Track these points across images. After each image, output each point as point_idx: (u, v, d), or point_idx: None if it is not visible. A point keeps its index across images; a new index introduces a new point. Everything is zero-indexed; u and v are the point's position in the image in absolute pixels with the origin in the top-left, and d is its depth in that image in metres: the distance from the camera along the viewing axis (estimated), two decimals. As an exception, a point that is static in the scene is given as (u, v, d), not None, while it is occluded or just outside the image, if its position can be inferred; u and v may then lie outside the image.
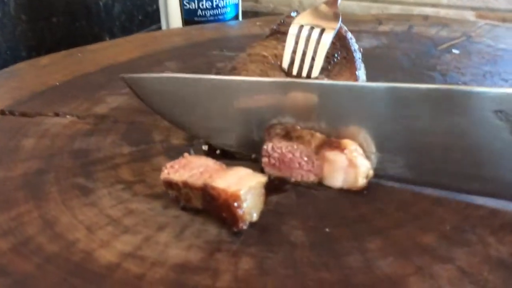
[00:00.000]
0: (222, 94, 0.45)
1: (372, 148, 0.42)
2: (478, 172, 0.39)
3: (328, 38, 0.52)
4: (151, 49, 0.78)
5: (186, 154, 0.43)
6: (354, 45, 0.57)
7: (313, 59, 0.53)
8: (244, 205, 0.37)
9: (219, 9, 1.00)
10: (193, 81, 0.46)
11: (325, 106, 0.42)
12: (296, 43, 0.54)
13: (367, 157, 0.42)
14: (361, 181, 0.42)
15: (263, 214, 0.39)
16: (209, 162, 0.41)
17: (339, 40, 0.56)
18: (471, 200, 0.41)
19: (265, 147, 0.44)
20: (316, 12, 0.54)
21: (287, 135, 0.43)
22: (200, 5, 0.98)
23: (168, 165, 0.42)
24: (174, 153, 0.49)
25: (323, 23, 0.53)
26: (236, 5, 1.02)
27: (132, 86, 0.48)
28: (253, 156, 0.46)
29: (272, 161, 0.44)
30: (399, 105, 0.39)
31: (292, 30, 0.53)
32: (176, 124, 0.49)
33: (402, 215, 0.40)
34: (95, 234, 0.38)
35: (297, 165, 0.43)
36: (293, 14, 0.60)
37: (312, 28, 0.53)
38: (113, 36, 1.25)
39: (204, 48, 0.78)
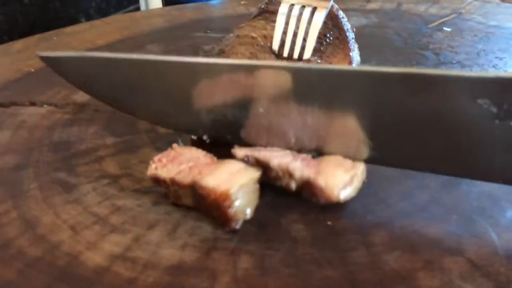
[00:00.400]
0: (159, 76, 0.38)
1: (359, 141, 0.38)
2: (461, 157, 0.37)
3: (320, 17, 0.50)
4: (131, 31, 0.74)
5: (175, 145, 0.40)
6: (347, 25, 0.54)
7: (304, 40, 0.51)
8: (236, 204, 0.34)
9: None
10: (116, 61, 0.39)
11: (296, 91, 0.36)
12: (287, 23, 0.51)
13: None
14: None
15: (260, 208, 0.37)
16: (200, 154, 0.39)
17: (331, 20, 0.54)
18: (477, 187, 0.39)
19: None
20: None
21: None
22: (181, -16, 0.94)
23: (156, 158, 0.39)
24: (162, 144, 0.46)
25: (314, 2, 0.50)
26: (219, -16, 0.98)
27: (52, 67, 0.41)
28: (228, 137, 0.41)
29: None
30: (379, 89, 0.35)
31: (282, 9, 0.50)
32: (117, 107, 0.43)
33: (406, 206, 0.38)
34: (80, 235, 0.36)
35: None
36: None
37: (303, 7, 0.50)
38: (89, 18, 1.20)
39: (187, 29, 0.75)
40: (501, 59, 0.63)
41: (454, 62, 0.63)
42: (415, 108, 0.35)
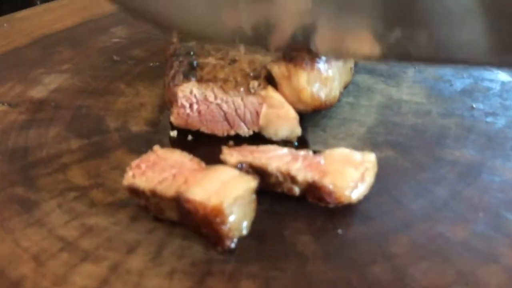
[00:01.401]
0: None
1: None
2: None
3: None
4: (92, 13, 0.66)
5: (156, 147, 0.34)
6: None
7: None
8: (230, 219, 0.29)
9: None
10: None
11: None
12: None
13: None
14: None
15: (258, 219, 0.31)
16: (185, 158, 0.33)
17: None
18: (498, 176, 0.35)
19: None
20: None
21: None
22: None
23: (133, 164, 0.33)
24: (136, 144, 0.40)
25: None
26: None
27: None
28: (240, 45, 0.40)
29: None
30: None
31: None
32: (139, 15, 0.40)
33: (424, 204, 0.33)
34: (45, 267, 0.30)
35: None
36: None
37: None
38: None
39: (155, 8, 0.67)
40: None
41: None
42: None
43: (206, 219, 0.29)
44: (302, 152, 0.34)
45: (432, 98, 0.45)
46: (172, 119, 0.39)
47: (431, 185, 0.35)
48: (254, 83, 0.36)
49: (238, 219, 0.29)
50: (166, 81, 0.41)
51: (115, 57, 0.54)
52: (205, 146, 0.39)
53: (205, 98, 0.37)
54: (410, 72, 0.49)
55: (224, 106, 0.37)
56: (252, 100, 0.37)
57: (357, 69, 0.46)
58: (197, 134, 0.40)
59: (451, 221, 0.32)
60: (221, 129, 0.38)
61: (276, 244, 0.31)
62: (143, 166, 0.33)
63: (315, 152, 0.35)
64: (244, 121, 0.37)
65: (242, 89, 0.36)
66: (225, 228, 0.29)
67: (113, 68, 0.52)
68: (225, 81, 0.37)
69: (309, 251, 0.30)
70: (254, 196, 0.30)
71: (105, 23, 0.63)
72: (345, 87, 0.44)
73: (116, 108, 0.45)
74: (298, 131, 0.38)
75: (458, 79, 0.48)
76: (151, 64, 0.52)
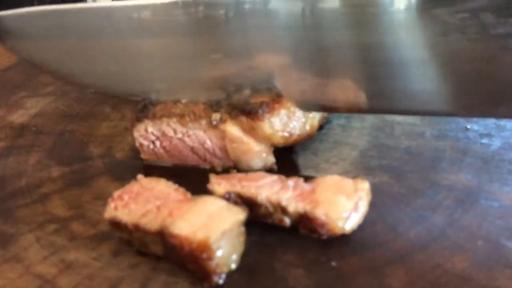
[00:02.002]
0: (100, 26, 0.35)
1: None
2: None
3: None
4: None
5: (139, 177, 0.33)
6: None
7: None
8: (217, 254, 0.27)
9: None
10: (60, 12, 0.35)
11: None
12: None
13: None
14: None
15: (248, 251, 0.30)
16: (170, 188, 0.31)
17: None
18: (497, 201, 0.34)
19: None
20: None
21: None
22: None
23: (115, 195, 0.31)
24: (120, 171, 0.39)
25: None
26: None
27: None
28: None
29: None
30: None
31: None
32: (59, 75, 0.39)
33: (421, 233, 0.32)
34: (21, 308, 0.28)
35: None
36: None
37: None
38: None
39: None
40: None
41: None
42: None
43: (192, 254, 0.27)
44: (292, 180, 0.32)
45: (425, 120, 0.44)
46: (143, 156, 0.37)
47: (427, 212, 0.34)
48: (216, 115, 0.34)
49: (226, 253, 0.28)
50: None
51: (100, 80, 0.52)
52: (193, 171, 0.37)
53: (164, 134, 0.35)
54: (402, 92, 0.48)
55: (188, 141, 0.35)
56: (215, 133, 0.35)
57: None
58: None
59: (449, 251, 0.30)
60: (194, 162, 0.37)
61: (267, 279, 0.29)
62: (125, 197, 0.31)
63: (306, 178, 0.33)
64: (214, 155, 0.36)
65: (203, 122, 0.34)
66: (212, 264, 0.27)
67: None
68: (181, 116, 0.35)
69: (302, 286, 0.28)
70: (243, 229, 0.29)
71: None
72: (322, 126, 0.43)
73: (100, 133, 0.43)
74: (270, 160, 0.36)
75: (451, 99, 0.47)
76: (137, 87, 0.51)
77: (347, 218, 0.29)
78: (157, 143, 0.36)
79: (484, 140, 0.41)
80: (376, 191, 0.33)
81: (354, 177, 0.33)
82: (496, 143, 0.40)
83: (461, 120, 0.43)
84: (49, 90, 0.51)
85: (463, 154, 0.39)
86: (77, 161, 0.40)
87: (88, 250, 0.31)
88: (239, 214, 0.28)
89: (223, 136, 0.35)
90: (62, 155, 0.41)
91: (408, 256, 0.30)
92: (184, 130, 0.35)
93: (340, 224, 0.29)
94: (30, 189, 0.37)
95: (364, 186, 0.31)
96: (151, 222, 0.29)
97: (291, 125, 0.35)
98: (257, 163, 0.35)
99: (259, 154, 0.35)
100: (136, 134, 0.36)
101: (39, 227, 0.33)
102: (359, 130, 0.43)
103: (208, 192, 0.32)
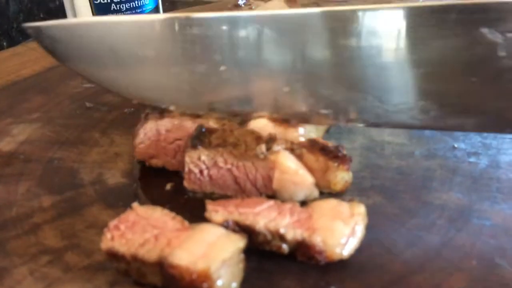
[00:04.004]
0: (147, 37, 0.36)
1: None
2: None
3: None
4: (62, 56, 0.65)
5: (135, 205, 0.33)
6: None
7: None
8: (218, 284, 0.27)
9: (135, 1, 0.87)
10: (106, 24, 0.37)
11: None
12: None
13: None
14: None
15: (246, 276, 0.30)
16: (167, 217, 0.31)
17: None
18: (488, 220, 0.34)
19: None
20: (273, 5, 0.45)
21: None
22: (113, -2, 0.85)
23: (111, 225, 0.31)
24: (112, 198, 0.38)
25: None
26: (155, -6, 0.89)
27: (41, 38, 0.38)
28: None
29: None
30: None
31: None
32: (101, 82, 0.39)
33: (417, 254, 0.32)
34: None
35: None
36: (241, 2, 0.50)
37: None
38: (11, 40, 1.08)
39: (127, 50, 0.66)
40: None
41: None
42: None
43: (193, 284, 0.27)
44: (288, 205, 0.32)
45: (414, 139, 0.45)
46: (185, 183, 0.37)
47: (422, 232, 0.34)
48: (261, 147, 0.34)
49: (226, 282, 0.28)
50: (135, 131, 0.40)
51: (87, 104, 0.52)
52: (185, 196, 0.37)
53: (215, 164, 0.35)
54: (389, 111, 0.49)
55: (235, 171, 0.35)
56: (263, 164, 0.34)
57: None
58: (177, 182, 0.39)
59: (445, 271, 0.31)
60: (233, 192, 0.36)
61: (268, 306, 0.29)
62: (122, 227, 0.31)
63: (302, 202, 0.34)
64: (255, 186, 0.35)
65: (252, 153, 0.34)
66: (213, 293, 0.27)
67: (86, 115, 0.50)
68: (235, 145, 0.35)
69: (303, 313, 0.28)
70: (242, 256, 0.29)
71: (76, 67, 0.61)
72: (327, 130, 0.44)
73: (90, 160, 0.43)
74: (315, 193, 0.35)
75: (437, 117, 0.48)
76: (126, 110, 0.51)
77: (344, 244, 0.30)
78: (205, 171, 0.35)
79: (472, 159, 0.42)
80: (370, 212, 0.34)
81: (350, 200, 0.33)
82: (483, 161, 0.41)
83: (448, 139, 0.44)
84: (36, 116, 0.50)
85: (453, 173, 0.40)
86: (68, 189, 0.39)
87: (83, 281, 0.31)
88: (238, 242, 0.28)
89: (272, 166, 0.34)
90: (52, 183, 0.40)
91: (406, 278, 0.30)
92: (235, 161, 0.34)
93: (338, 250, 0.29)
94: (21, 219, 0.36)
95: (360, 210, 0.32)
96: (149, 253, 0.29)
97: (347, 175, 0.36)
98: (300, 195, 0.35)
99: (310, 186, 0.34)
100: (187, 159, 0.35)
101: (32, 259, 0.33)
102: (350, 151, 0.43)
103: (204, 219, 0.32)
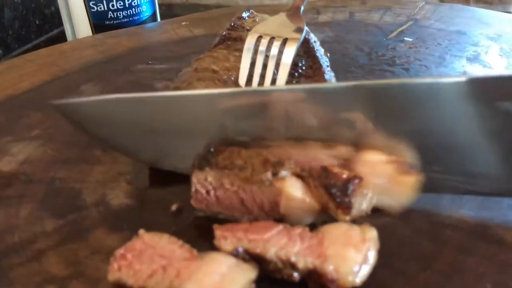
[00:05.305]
0: (168, 112, 0.37)
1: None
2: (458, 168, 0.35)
3: (291, 50, 0.43)
4: (60, 68, 0.64)
5: (141, 232, 0.32)
6: (320, 50, 0.48)
7: (274, 73, 0.44)
8: (232, 315, 0.26)
9: (133, 9, 0.86)
10: (137, 101, 0.38)
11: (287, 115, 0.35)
12: (254, 53, 0.44)
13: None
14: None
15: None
16: (175, 246, 0.30)
17: (302, 45, 0.47)
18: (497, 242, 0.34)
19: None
20: (276, 20, 0.44)
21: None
22: (110, 6, 0.84)
23: (118, 254, 0.30)
24: (117, 221, 0.37)
25: (285, 33, 0.43)
26: (152, 1, 0.88)
27: (68, 114, 0.39)
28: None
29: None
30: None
31: (248, 44, 0.43)
32: (121, 150, 0.41)
33: (430, 276, 0.32)
34: None
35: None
36: (245, 14, 0.49)
37: (272, 38, 0.43)
38: (7, 48, 1.06)
39: (126, 61, 0.65)
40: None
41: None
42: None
43: (204, 319, 0.26)
44: (298, 230, 0.32)
45: (420, 153, 0.44)
46: (192, 202, 0.36)
47: (434, 254, 0.33)
48: (267, 175, 0.33)
49: (238, 314, 0.27)
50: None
51: (87, 119, 0.51)
52: (191, 217, 0.36)
53: (221, 185, 0.34)
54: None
55: (242, 194, 0.34)
56: (269, 190, 0.33)
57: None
58: (182, 202, 0.38)
59: (460, 296, 0.30)
60: (239, 214, 0.35)
61: (280, 337, 0.28)
62: (128, 256, 0.30)
63: (311, 226, 0.33)
64: (262, 209, 0.34)
65: (259, 178, 0.33)
66: (225, 328, 0.26)
67: (87, 132, 0.49)
68: (242, 168, 0.34)
69: None
70: (253, 286, 0.28)
71: (75, 80, 0.61)
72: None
73: (92, 179, 0.42)
74: (324, 217, 0.34)
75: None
76: (127, 126, 0.50)
77: (357, 272, 0.29)
78: (212, 192, 0.35)
79: (481, 174, 0.41)
80: (381, 233, 0.33)
81: (360, 223, 0.32)
82: (492, 176, 0.41)
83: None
84: (36, 133, 0.49)
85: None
86: (71, 211, 0.39)
87: (90, 312, 0.30)
88: (250, 273, 0.28)
89: (278, 193, 0.33)
90: (55, 206, 0.39)
91: (419, 304, 0.30)
92: (241, 184, 0.34)
93: (350, 278, 0.29)
94: (24, 246, 0.36)
95: (372, 234, 0.31)
96: (158, 284, 0.28)
97: (363, 206, 0.34)
98: (309, 220, 0.34)
99: (317, 212, 0.34)
100: (194, 180, 0.35)
101: (36, 289, 0.32)
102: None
103: (212, 242, 0.31)
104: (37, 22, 1.14)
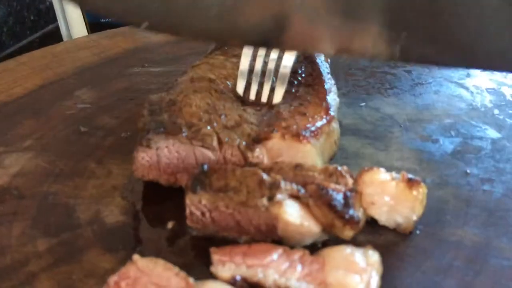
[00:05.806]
0: None
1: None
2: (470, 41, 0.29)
3: (291, 57, 0.41)
4: (54, 72, 0.62)
5: (135, 258, 0.31)
6: (320, 55, 0.47)
7: (273, 81, 0.43)
8: None
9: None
10: None
11: None
12: (253, 60, 0.43)
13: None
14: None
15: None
16: (170, 273, 0.29)
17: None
18: (506, 260, 0.33)
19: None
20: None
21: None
22: (106, 4, 0.82)
23: (112, 281, 0.29)
24: (112, 241, 0.36)
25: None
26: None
27: None
28: None
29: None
30: None
31: (247, 49, 0.42)
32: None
33: (435, 302, 0.31)
34: None
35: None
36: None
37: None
38: (1, 44, 1.05)
39: (121, 64, 0.64)
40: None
41: (430, 81, 0.56)
42: None
43: None
44: (298, 253, 0.31)
45: (424, 163, 0.43)
46: (188, 222, 0.35)
47: (438, 276, 0.32)
48: (262, 201, 0.32)
49: None
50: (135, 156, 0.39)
51: (82, 128, 0.50)
52: (187, 236, 0.35)
53: (217, 208, 0.33)
54: (397, 131, 0.47)
55: (238, 216, 0.33)
56: (265, 215, 0.32)
57: (342, 131, 0.44)
58: (178, 220, 0.37)
59: (466, 322, 0.29)
60: (237, 234, 0.34)
61: None
62: (123, 284, 0.29)
63: (311, 248, 0.32)
64: (260, 231, 0.33)
65: (253, 203, 0.32)
66: None
67: (81, 142, 0.48)
68: (236, 190, 0.33)
69: None
70: (250, 314, 0.27)
71: (69, 85, 0.59)
72: (331, 158, 0.42)
73: (86, 194, 0.41)
74: (322, 237, 0.34)
75: (446, 138, 0.46)
76: (123, 135, 0.48)
77: (360, 299, 0.28)
78: (207, 214, 0.34)
79: (486, 187, 0.40)
80: (383, 252, 0.32)
81: (362, 242, 0.31)
82: (498, 189, 0.39)
83: (459, 163, 0.43)
84: (28, 144, 0.48)
85: (467, 205, 0.38)
86: (64, 230, 0.38)
87: None
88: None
89: (275, 217, 0.32)
90: (48, 224, 0.38)
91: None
92: (237, 207, 0.33)
93: (352, 306, 0.28)
94: (16, 268, 0.35)
95: (374, 259, 0.30)
96: (153, 316, 0.27)
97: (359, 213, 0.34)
98: (309, 240, 0.33)
99: (317, 234, 0.33)
100: (188, 202, 0.34)
101: (28, 316, 0.31)
102: (358, 179, 0.41)
103: (207, 262, 0.30)
104: (32, 18, 1.13)
